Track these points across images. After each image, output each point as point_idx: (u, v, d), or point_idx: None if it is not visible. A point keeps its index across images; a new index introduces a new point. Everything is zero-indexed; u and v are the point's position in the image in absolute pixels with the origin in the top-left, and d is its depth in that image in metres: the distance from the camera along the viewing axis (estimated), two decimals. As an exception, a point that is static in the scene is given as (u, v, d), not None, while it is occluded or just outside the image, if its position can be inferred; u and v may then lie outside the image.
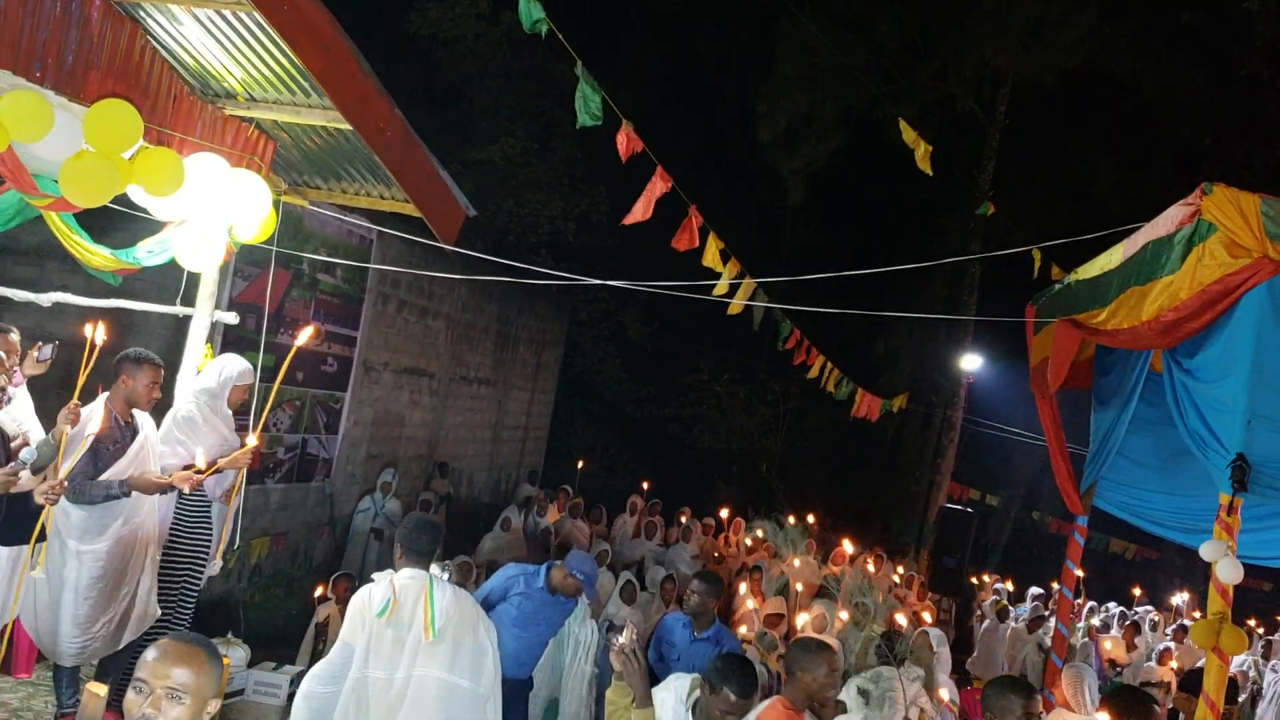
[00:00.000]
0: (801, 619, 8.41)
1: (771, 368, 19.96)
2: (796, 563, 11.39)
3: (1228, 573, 4.63)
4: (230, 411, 5.41)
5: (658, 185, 6.07)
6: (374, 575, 4.31)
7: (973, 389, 17.98)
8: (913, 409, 17.78)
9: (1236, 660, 11.77)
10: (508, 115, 15.93)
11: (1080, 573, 10.48)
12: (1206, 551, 4.57)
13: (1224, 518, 4.64)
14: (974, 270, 17.03)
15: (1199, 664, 9.13)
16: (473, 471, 14.10)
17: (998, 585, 14.24)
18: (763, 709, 3.68)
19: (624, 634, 3.80)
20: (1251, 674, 11.18)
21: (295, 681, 6.09)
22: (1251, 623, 14.63)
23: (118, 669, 5.09)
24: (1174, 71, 15.88)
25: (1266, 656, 12.01)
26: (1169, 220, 4.75)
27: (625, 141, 5.67)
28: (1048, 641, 10.62)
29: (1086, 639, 10.22)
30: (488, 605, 5.54)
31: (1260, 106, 15.71)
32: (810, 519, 14.72)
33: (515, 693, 5.65)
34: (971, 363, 16.86)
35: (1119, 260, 5.30)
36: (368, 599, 4.15)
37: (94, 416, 4.65)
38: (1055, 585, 10.00)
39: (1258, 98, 15.68)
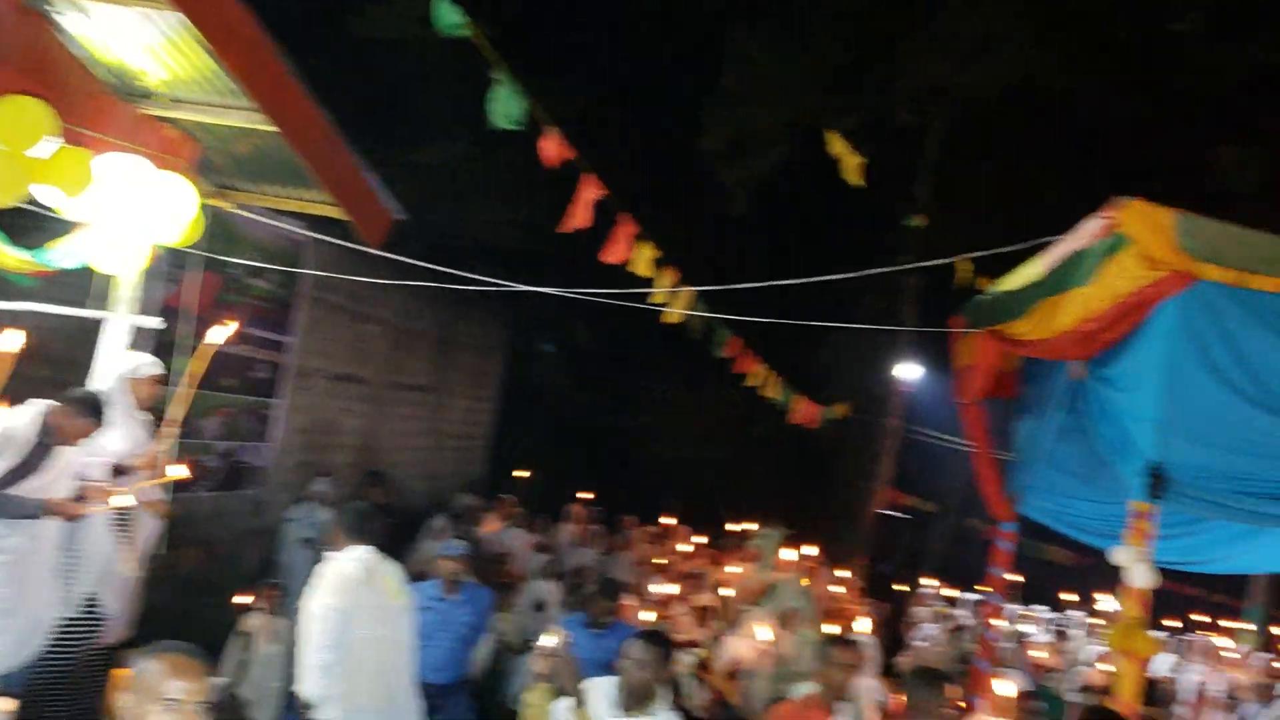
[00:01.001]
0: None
1: (718, 376, 20.00)
2: (739, 570, 11.46)
3: (1141, 578, 4.73)
4: (142, 413, 5.33)
5: (590, 192, 6.07)
6: (329, 553, 4.68)
7: (912, 398, 18.20)
8: (854, 417, 17.93)
9: (1163, 664, 11.99)
10: (449, 119, 15.77)
11: (1012, 578, 10.62)
12: (1118, 557, 4.67)
13: (1138, 524, 4.73)
14: (912, 282, 17.22)
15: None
16: (410, 480, 13.97)
17: (923, 590, 14.37)
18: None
19: (550, 638, 3.92)
20: (1174, 676, 11.37)
21: (220, 692, 6.00)
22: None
23: (23, 682, 4.97)
24: (1110, 89, 16.18)
25: (1188, 660, 12.23)
26: (1086, 233, 4.84)
27: (552, 148, 5.65)
28: (969, 647, 10.72)
29: (1016, 644, 10.34)
30: None
31: (1192, 124, 16.07)
32: (756, 526, 14.78)
33: (443, 694, 5.95)
34: (909, 372, 17.07)
35: (1039, 272, 5.39)
36: (344, 570, 4.50)
37: (26, 416, 4.59)
38: (983, 591, 10.13)
39: (1189, 116, 16.04)
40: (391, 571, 4.75)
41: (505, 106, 5.30)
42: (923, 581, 15.17)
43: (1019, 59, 15.85)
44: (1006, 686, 6.02)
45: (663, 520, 13.10)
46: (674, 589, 9.99)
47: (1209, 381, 4.66)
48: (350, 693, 4.42)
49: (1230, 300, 4.56)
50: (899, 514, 18.44)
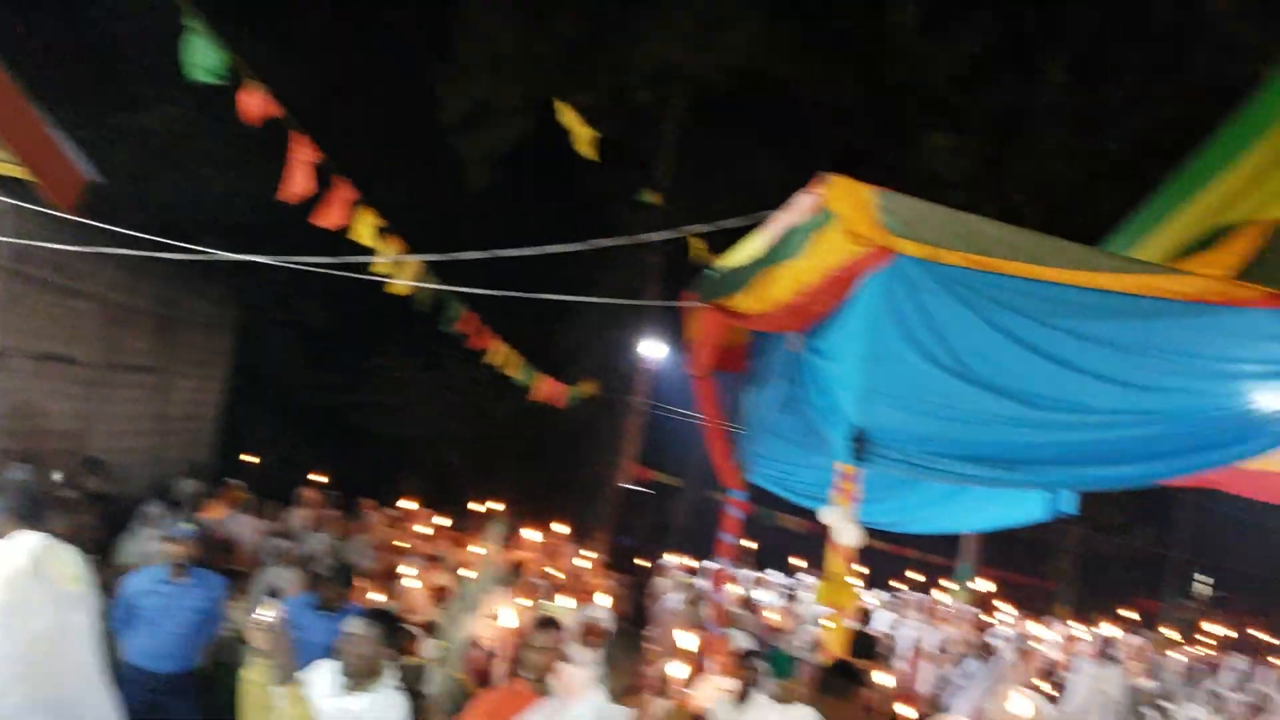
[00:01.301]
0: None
1: (460, 354, 19.81)
2: (482, 550, 11.37)
3: (848, 536, 5.00)
4: None
5: (303, 154, 5.80)
6: None
7: (657, 375, 18.65)
8: (602, 395, 18.18)
9: (884, 621, 12.84)
10: (171, 82, 14.76)
11: (746, 545, 11.03)
12: (824, 516, 4.93)
13: (843, 485, 5.00)
14: (655, 261, 17.64)
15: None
16: (132, 467, 13.05)
17: (666, 562, 14.79)
18: None
19: (266, 610, 3.84)
20: (893, 632, 12.17)
21: None
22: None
23: None
24: (834, 76, 17.07)
25: (906, 617, 13.13)
26: (798, 208, 5.02)
27: (254, 104, 5.33)
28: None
29: (746, 609, 10.79)
30: (128, 609, 5.85)
31: (906, 112, 17.21)
32: (500, 506, 14.74)
33: (166, 684, 5.82)
34: (651, 349, 17.46)
35: (760, 247, 5.56)
36: (7, 561, 4.12)
37: None
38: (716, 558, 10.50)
39: (903, 104, 17.18)
40: (67, 558, 4.39)
41: (201, 57, 4.96)
42: (665, 555, 15.59)
43: (746, 43, 16.45)
44: (687, 639, 6.24)
45: (402, 502, 12.84)
46: (413, 571, 9.82)
47: (908, 351, 4.95)
48: (17, 688, 4.08)
49: (926, 274, 4.82)
50: (643, 489, 18.87)
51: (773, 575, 15.03)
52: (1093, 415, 5.29)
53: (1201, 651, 16.58)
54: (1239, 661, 14.38)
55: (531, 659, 4.57)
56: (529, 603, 8.39)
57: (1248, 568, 27.14)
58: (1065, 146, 16.81)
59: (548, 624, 4.84)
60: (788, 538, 19.46)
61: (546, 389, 13.09)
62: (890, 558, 19.11)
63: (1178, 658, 14.01)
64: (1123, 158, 16.55)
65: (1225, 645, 18.50)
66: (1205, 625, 21.32)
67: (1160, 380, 5.21)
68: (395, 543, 11.61)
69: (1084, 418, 5.29)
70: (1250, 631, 21.60)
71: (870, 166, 16.82)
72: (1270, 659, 16.02)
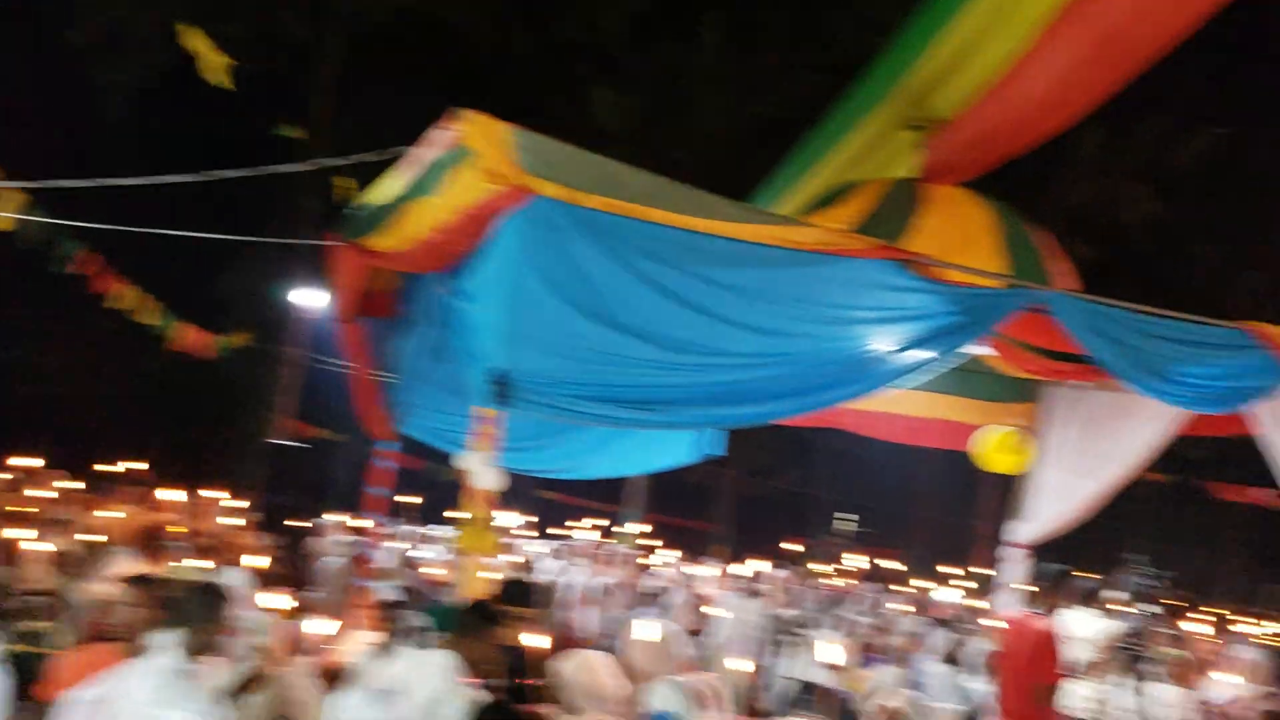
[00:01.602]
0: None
1: (100, 303, 18.19)
2: (119, 514, 10.61)
3: (487, 480, 4.96)
4: None
5: None
6: None
7: (314, 325, 17.90)
8: (256, 346, 17.27)
9: (551, 568, 13.08)
10: None
11: (404, 498, 10.76)
12: (464, 462, 4.85)
13: (483, 429, 4.93)
14: (308, 204, 16.85)
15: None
16: None
17: (324, 521, 14.32)
18: None
19: None
20: (560, 579, 12.40)
21: None
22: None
23: None
24: (498, 24, 16.96)
25: (573, 564, 13.42)
26: (435, 143, 4.85)
27: None
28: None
29: (404, 565, 10.64)
30: None
31: (573, 66, 17.42)
32: (141, 465, 13.82)
33: None
34: (308, 298, 16.70)
35: (399, 183, 5.35)
36: None
37: None
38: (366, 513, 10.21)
39: (573, 59, 17.36)
40: None
41: None
42: (326, 513, 15.04)
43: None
44: (277, 599, 6.08)
45: (19, 462, 11.68)
46: (33, 536, 8.95)
47: (547, 293, 4.92)
48: None
49: (565, 216, 4.77)
50: (299, 444, 18.15)
51: (439, 530, 14.92)
52: (725, 358, 5.53)
53: (842, 583, 18.14)
54: (869, 589, 15.87)
55: (121, 618, 4.25)
56: (159, 566, 7.81)
57: (880, 505, 30.15)
58: (722, 107, 17.64)
59: (138, 582, 4.49)
60: (457, 491, 19.36)
61: (191, 339, 12.21)
62: (560, 506, 19.47)
63: (816, 589, 15.24)
64: (775, 120, 17.54)
65: (863, 576, 20.39)
66: (847, 559, 23.41)
67: (785, 325, 5.52)
68: (12, 508, 10.54)
69: (717, 360, 5.52)
70: (878, 563, 23.92)
71: (538, 117, 16.86)
72: (895, 586, 17.78)
